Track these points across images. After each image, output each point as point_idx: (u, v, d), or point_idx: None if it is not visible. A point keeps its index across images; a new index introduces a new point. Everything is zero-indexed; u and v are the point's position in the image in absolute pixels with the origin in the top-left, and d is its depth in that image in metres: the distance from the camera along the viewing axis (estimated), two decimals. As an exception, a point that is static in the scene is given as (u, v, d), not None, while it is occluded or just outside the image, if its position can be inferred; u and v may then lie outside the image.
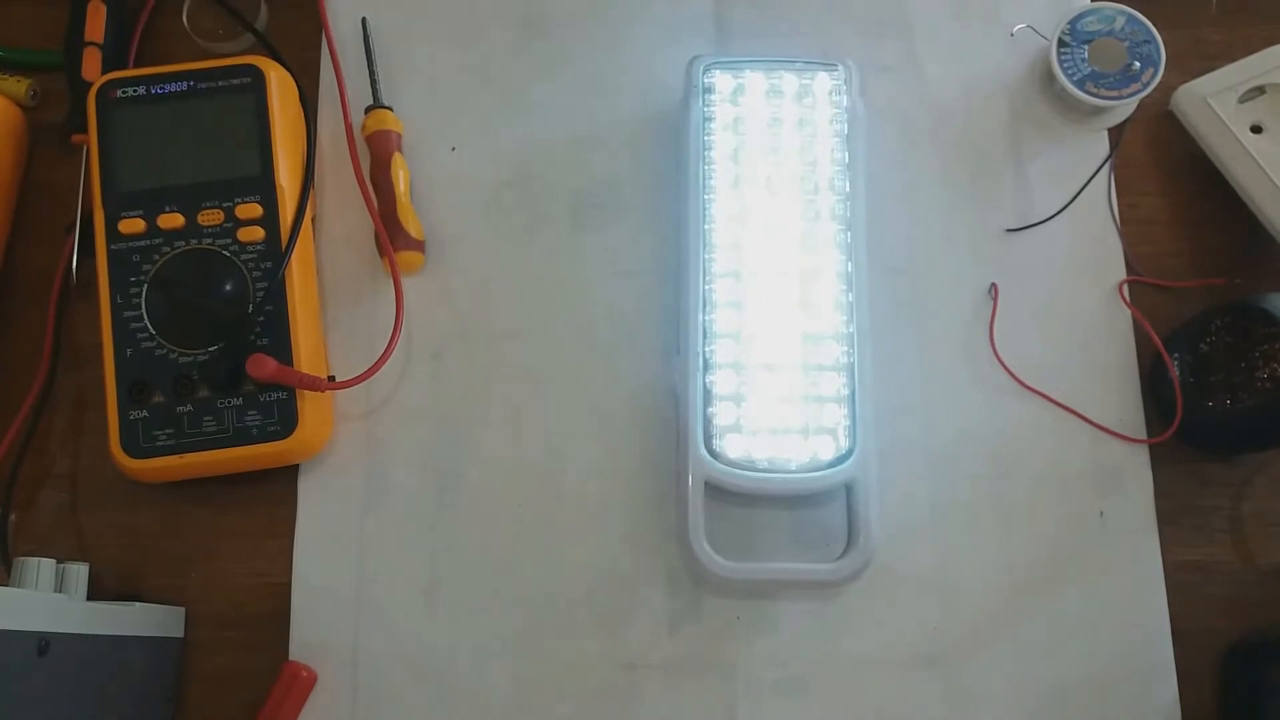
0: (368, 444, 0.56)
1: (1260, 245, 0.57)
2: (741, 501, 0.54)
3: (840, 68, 0.56)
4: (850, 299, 0.54)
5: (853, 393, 0.53)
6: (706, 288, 0.54)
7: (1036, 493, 0.55)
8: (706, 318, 0.53)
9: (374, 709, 0.53)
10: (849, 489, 0.52)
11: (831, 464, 0.52)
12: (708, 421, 0.52)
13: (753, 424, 0.53)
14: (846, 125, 0.56)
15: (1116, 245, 0.59)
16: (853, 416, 0.53)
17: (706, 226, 0.54)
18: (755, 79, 0.56)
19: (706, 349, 0.53)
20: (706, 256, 0.54)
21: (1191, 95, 0.58)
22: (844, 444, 0.52)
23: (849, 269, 0.54)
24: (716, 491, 0.52)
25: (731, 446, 0.52)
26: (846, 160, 0.55)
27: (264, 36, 0.61)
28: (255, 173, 0.55)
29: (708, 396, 0.53)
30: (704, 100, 0.56)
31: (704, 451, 0.52)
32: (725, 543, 0.52)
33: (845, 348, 0.53)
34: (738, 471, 0.52)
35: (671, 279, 0.57)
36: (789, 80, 0.56)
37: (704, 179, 0.55)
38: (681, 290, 0.54)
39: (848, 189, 0.55)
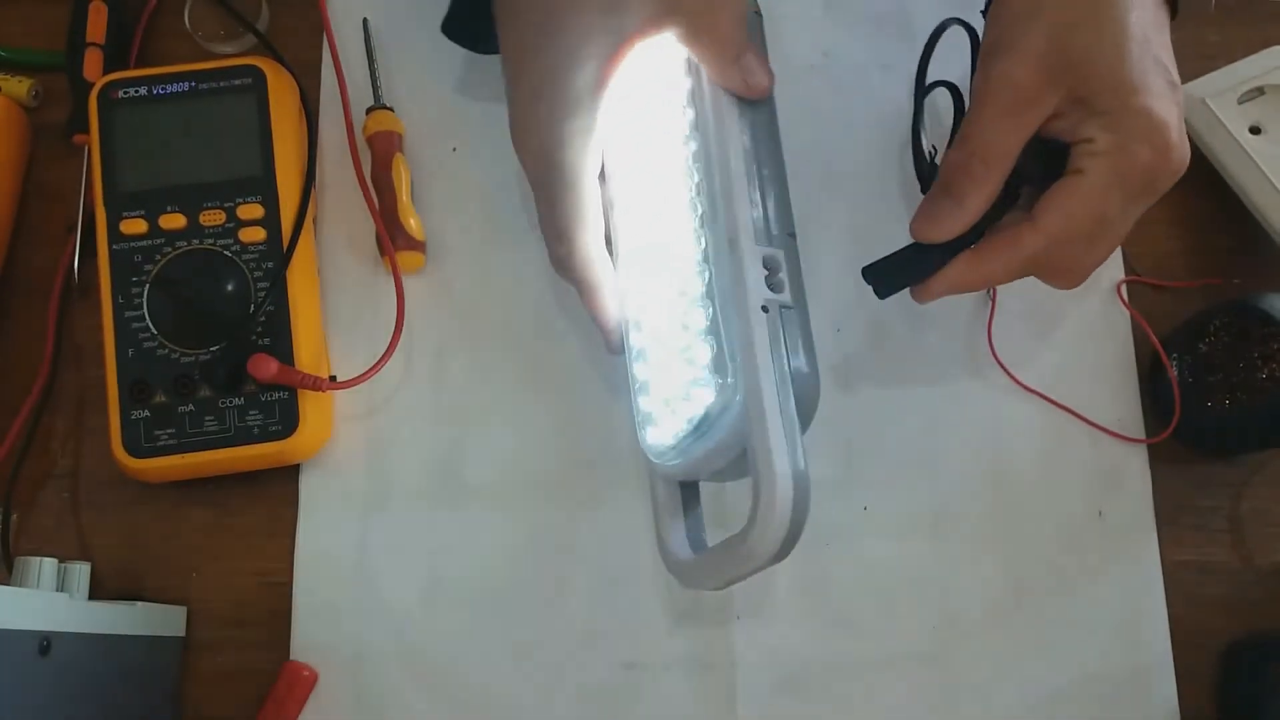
0: (369, 444, 0.56)
1: (1259, 245, 0.58)
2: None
3: None
4: (699, 214, 0.44)
5: (715, 310, 0.42)
6: (620, 280, 0.49)
7: (1035, 493, 0.56)
8: (624, 309, 0.49)
9: (375, 708, 0.53)
10: (745, 422, 0.40)
11: (720, 408, 0.42)
12: (635, 419, 0.48)
13: (665, 403, 0.46)
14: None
15: (1115, 246, 0.59)
16: (720, 339, 0.42)
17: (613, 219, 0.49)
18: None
19: (628, 344, 0.49)
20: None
21: (1190, 96, 0.58)
22: (726, 379, 0.42)
23: (695, 181, 0.45)
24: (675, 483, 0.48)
25: (654, 436, 0.47)
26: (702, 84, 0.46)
27: (265, 37, 0.61)
28: (257, 173, 0.55)
29: (634, 392, 0.48)
30: None
31: (643, 450, 0.47)
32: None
33: (701, 264, 0.44)
34: (670, 458, 0.46)
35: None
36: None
37: None
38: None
39: (707, 109, 0.45)
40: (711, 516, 0.49)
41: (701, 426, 0.43)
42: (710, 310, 0.43)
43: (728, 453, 0.42)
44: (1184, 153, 0.44)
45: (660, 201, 0.47)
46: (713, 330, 0.43)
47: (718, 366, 0.42)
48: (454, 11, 0.53)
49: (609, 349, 0.50)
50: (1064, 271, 0.47)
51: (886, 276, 0.47)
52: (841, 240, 0.59)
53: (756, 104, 0.47)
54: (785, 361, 0.41)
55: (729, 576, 0.42)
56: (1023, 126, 0.44)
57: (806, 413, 0.42)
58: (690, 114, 0.46)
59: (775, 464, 0.38)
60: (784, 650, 0.54)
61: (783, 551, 0.39)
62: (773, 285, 0.42)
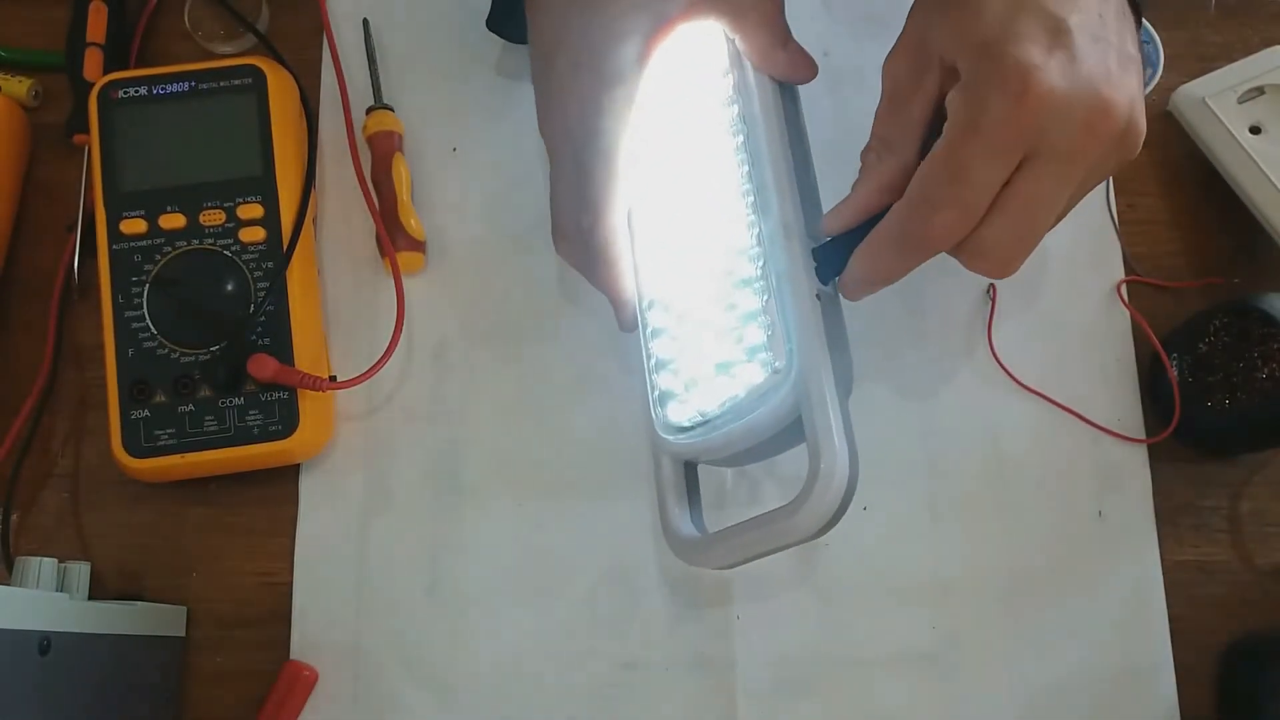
0: (369, 444, 0.56)
1: (1259, 245, 0.58)
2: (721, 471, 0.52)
3: None
4: (755, 199, 0.45)
5: (770, 297, 0.43)
6: (636, 259, 0.49)
7: (1035, 492, 0.56)
8: (640, 287, 0.49)
9: (375, 708, 0.53)
10: (802, 409, 0.41)
11: (769, 388, 0.42)
12: (653, 396, 0.47)
13: (695, 380, 0.46)
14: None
15: (1115, 245, 0.59)
16: (775, 324, 0.42)
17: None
18: None
19: (644, 321, 0.48)
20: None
21: (1190, 96, 0.58)
22: (777, 361, 0.42)
23: (745, 170, 0.45)
24: (698, 469, 0.48)
25: (676, 412, 0.46)
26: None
27: (265, 37, 0.61)
28: (256, 173, 0.55)
29: (651, 369, 0.47)
30: None
31: (656, 428, 0.46)
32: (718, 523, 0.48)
33: (756, 250, 0.44)
34: (691, 438, 0.45)
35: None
36: None
37: None
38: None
39: (730, 93, 0.46)
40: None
41: (742, 406, 0.43)
42: (767, 295, 0.43)
43: (761, 433, 0.43)
44: (1060, 100, 0.38)
45: (701, 188, 0.47)
46: (764, 313, 0.43)
47: (771, 348, 0.43)
48: (496, 7, 0.53)
49: (622, 325, 0.49)
50: (970, 250, 0.42)
51: (822, 260, 0.45)
52: (841, 240, 0.59)
53: (793, 96, 0.47)
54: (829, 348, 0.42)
55: (757, 551, 0.43)
56: (906, 115, 0.44)
57: (846, 396, 0.43)
58: (736, 106, 0.46)
59: (836, 441, 0.40)
60: (784, 650, 0.54)
61: (829, 525, 0.40)
62: (821, 276, 0.44)
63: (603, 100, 0.45)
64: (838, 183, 0.60)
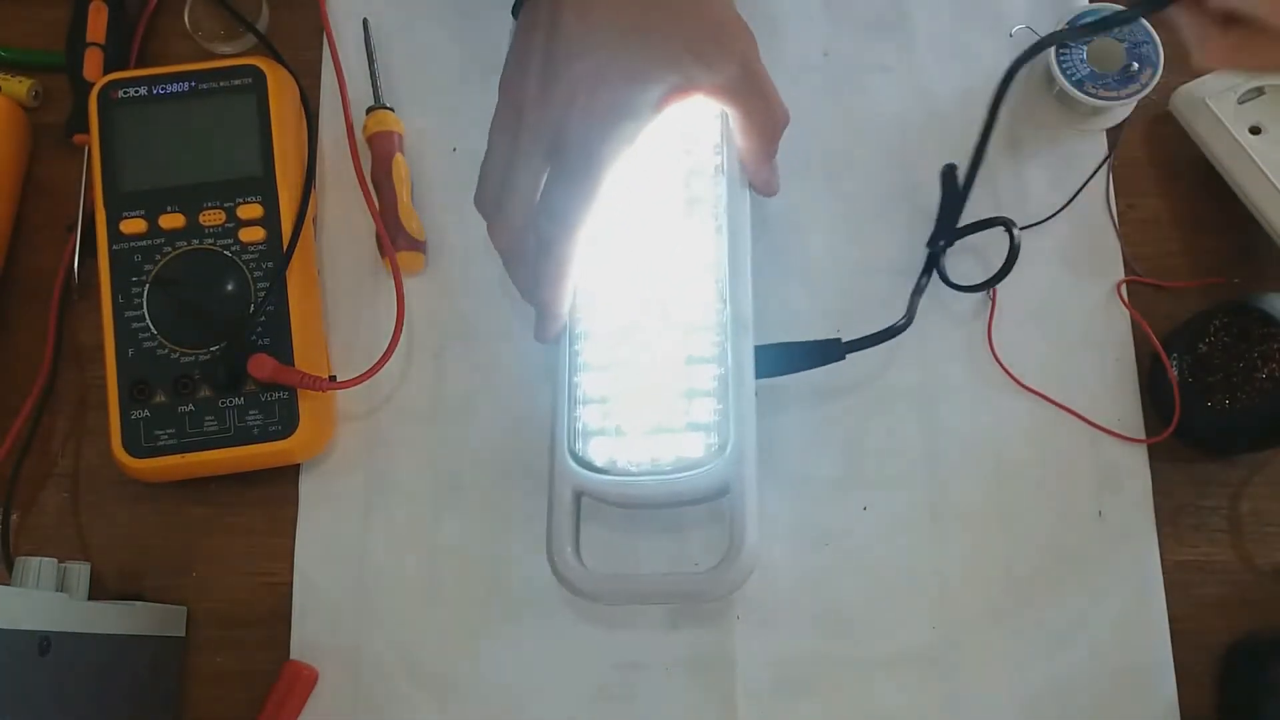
0: (369, 444, 0.56)
1: (1258, 246, 0.58)
2: (626, 511, 0.53)
3: None
4: (724, 288, 0.49)
5: (725, 384, 0.47)
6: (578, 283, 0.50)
7: (1035, 492, 0.56)
8: (570, 318, 0.50)
9: (375, 708, 0.53)
10: (729, 489, 0.46)
11: (701, 463, 0.47)
12: (573, 426, 0.49)
13: (622, 426, 0.49)
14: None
15: (1115, 246, 0.59)
16: (726, 410, 0.47)
17: None
18: None
19: (573, 350, 0.50)
20: None
21: (1190, 96, 0.58)
22: (715, 441, 0.47)
23: (724, 256, 0.49)
24: (599, 504, 0.49)
25: (598, 452, 0.48)
26: (724, 145, 0.51)
27: (265, 37, 0.61)
28: (256, 173, 0.55)
29: (574, 400, 0.49)
30: None
31: (569, 459, 0.48)
32: (607, 555, 0.52)
33: (718, 338, 0.48)
34: (606, 477, 0.48)
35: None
36: None
37: None
38: None
39: (724, 175, 0.50)
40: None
41: (665, 467, 0.47)
42: (720, 379, 0.48)
43: (679, 497, 0.47)
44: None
45: (670, 250, 0.50)
46: (715, 396, 0.48)
47: (715, 428, 0.47)
48: None
49: (541, 336, 0.50)
50: None
51: (760, 358, 0.50)
52: (839, 241, 0.59)
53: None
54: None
55: (655, 599, 0.51)
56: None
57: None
58: (719, 186, 0.50)
59: (749, 535, 0.46)
60: (784, 650, 0.54)
61: (731, 591, 0.47)
62: (757, 371, 0.49)
63: (611, 126, 0.46)
64: (838, 182, 0.60)
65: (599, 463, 0.48)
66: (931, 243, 0.57)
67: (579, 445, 0.49)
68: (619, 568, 0.53)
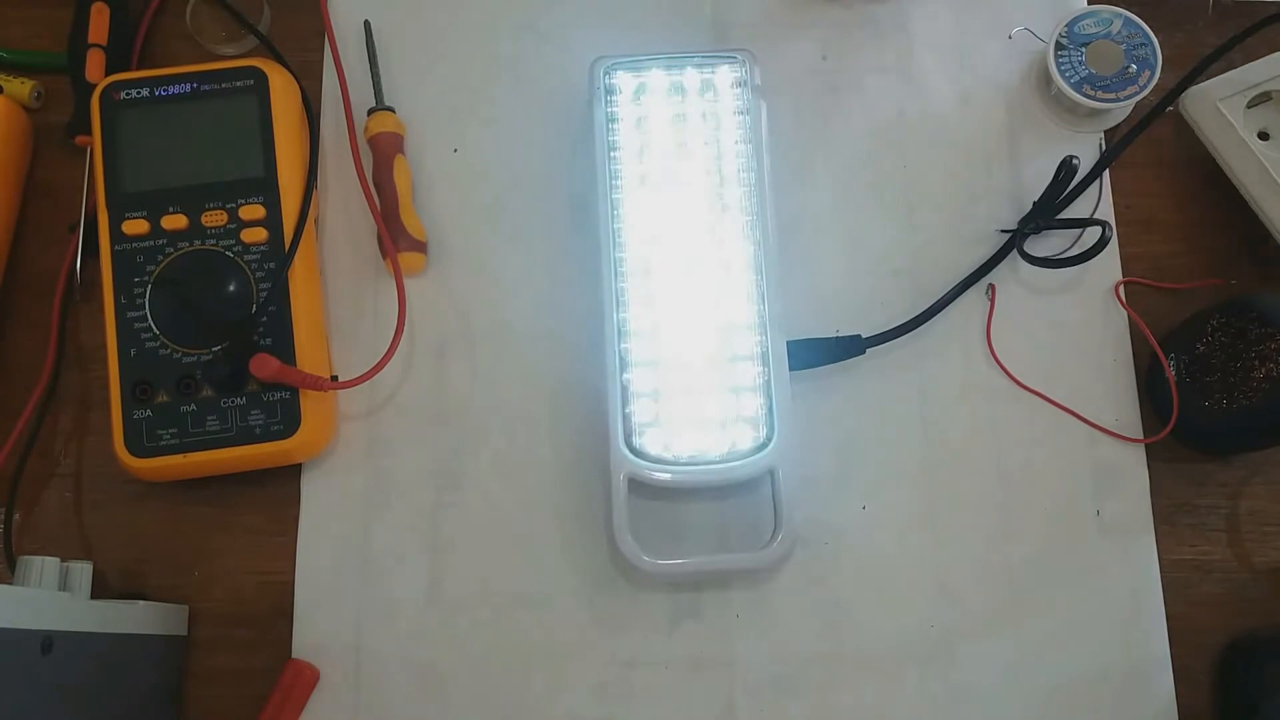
0: (370, 444, 0.57)
1: (1256, 246, 0.58)
2: (672, 496, 0.55)
3: (740, 57, 0.56)
4: (762, 288, 0.54)
5: (768, 381, 0.53)
6: (619, 286, 0.54)
7: (1033, 492, 0.56)
8: (620, 315, 0.53)
9: (376, 707, 0.53)
10: (772, 476, 0.52)
11: (750, 453, 0.52)
12: (627, 419, 0.52)
13: (672, 418, 0.53)
14: (749, 114, 0.56)
15: (1113, 246, 0.59)
16: (769, 405, 0.53)
17: (616, 225, 0.54)
18: (657, 76, 0.56)
19: (622, 346, 0.53)
20: (617, 255, 0.54)
21: (1201, 98, 0.57)
22: (762, 433, 0.53)
23: (760, 258, 0.54)
24: (647, 489, 0.52)
25: (651, 442, 0.52)
26: (750, 152, 0.55)
27: (267, 39, 0.62)
28: (258, 174, 0.55)
29: (625, 394, 0.53)
30: (607, 101, 0.56)
31: (624, 449, 0.52)
32: (658, 539, 0.53)
33: (759, 336, 0.54)
34: (659, 466, 0.52)
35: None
36: (691, 75, 0.56)
37: (610, 178, 0.55)
38: (596, 289, 0.54)
39: (752, 180, 0.55)
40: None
41: (714, 456, 0.53)
42: (762, 375, 0.53)
43: (729, 482, 0.53)
44: None
45: (708, 248, 0.55)
46: (757, 391, 0.53)
47: (760, 420, 0.53)
48: None
49: None
50: None
51: (791, 352, 0.54)
52: (839, 241, 0.59)
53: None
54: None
55: (711, 571, 0.54)
56: None
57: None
58: (751, 192, 0.55)
59: (793, 514, 0.52)
60: (784, 650, 0.54)
61: (779, 564, 0.53)
62: (790, 364, 0.54)
63: None
64: (837, 182, 0.60)
65: (653, 452, 0.52)
66: (1024, 222, 0.58)
67: (634, 437, 0.52)
68: (672, 547, 0.55)
